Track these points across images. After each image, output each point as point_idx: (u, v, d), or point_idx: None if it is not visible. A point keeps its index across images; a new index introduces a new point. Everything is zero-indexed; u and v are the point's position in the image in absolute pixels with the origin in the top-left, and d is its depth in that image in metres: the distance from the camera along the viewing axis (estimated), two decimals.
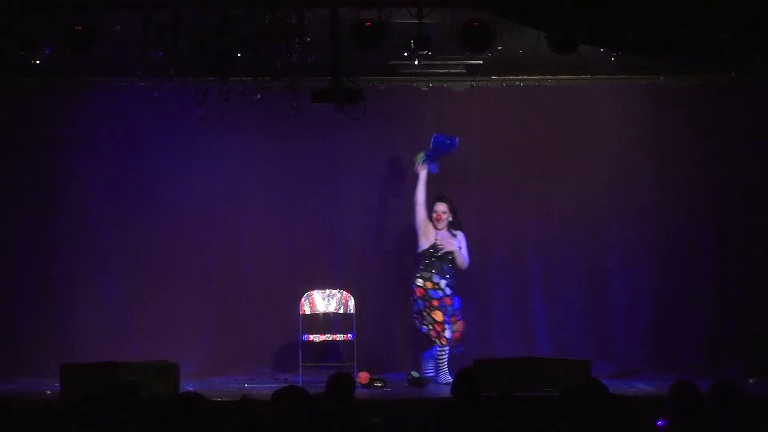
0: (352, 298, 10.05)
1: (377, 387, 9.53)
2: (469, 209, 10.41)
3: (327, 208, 10.52)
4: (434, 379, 9.67)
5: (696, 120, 10.49)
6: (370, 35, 8.70)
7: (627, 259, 10.51)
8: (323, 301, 10.07)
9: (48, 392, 9.11)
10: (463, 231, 9.87)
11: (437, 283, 9.68)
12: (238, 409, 5.24)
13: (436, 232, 9.79)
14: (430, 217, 9.80)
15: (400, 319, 10.18)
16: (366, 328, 10.17)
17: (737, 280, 10.41)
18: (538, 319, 10.48)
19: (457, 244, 9.79)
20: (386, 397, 9.20)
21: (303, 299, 10.01)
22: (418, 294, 9.67)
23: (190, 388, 8.89)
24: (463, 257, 9.79)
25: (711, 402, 5.30)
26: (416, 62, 9.47)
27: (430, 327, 9.64)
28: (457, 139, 9.87)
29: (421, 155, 9.79)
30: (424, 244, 9.79)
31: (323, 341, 10.00)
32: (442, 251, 9.75)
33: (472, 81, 10.47)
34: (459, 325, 9.76)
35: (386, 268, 10.38)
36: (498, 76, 10.43)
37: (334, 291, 10.11)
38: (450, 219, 9.83)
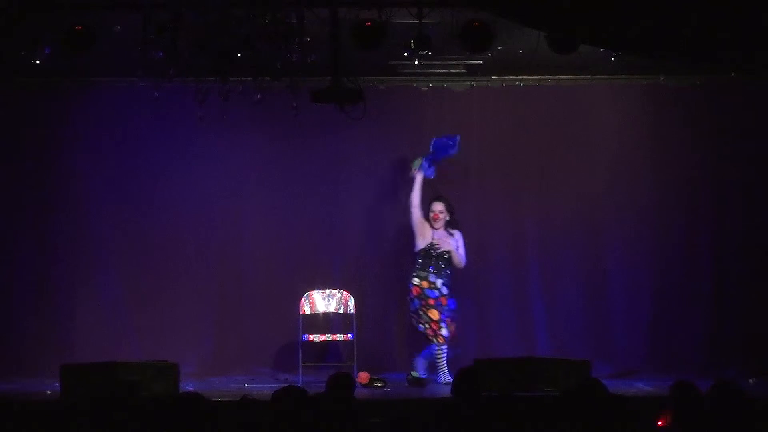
0: (352, 298, 10.05)
1: (377, 387, 9.53)
2: (469, 209, 10.42)
3: (327, 208, 10.52)
4: (434, 379, 9.68)
5: (696, 120, 10.49)
6: (370, 35, 8.70)
7: (627, 259, 10.51)
8: (323, 301, 10.08)
9: (48, 392, 9.11)
10: (460, 230, 9.88)
11: (433, 283, 9.69)
12: (238, 409, 5.24)
13: (432, 231, 9.80)
14: (427, 217, 9.82)
15: (400, 319, 10.18)
16: (366, 328, 10.18)
17: (737, 280, 10.41)
18: (538, 319, 10.48)
19: (454, 244, 9.80)
20: (386, 397, 9.20)
21: (303, 299, 10.01)
22: (415, 293, 9.69)
23: (190, 388, 8.89)
24: (460, 256, 9.80)
25: (711, 402, 5.30)
26: (416, 62, 9.47)
27: (427, 326, 9.65)
28: (458, 138, 9.88)
29: (418, 161, 9.83)
30: (421, 243, 9.80)
31: (323, 341, 10.00)
32: (438, 251, 9.76)
33: (472, 81, 10.47)
34: (452, 328, 9.76)
35: (386, 268, 10.38)
36: (498, 76, 10.43)
37: (334, 291, 10.11)
38: (447, 218, 9.84)
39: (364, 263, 10.52)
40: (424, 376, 9.68)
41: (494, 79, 10.48)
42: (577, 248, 10.53)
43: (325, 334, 9.97)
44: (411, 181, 9.87)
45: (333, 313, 10.12)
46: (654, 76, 10.41)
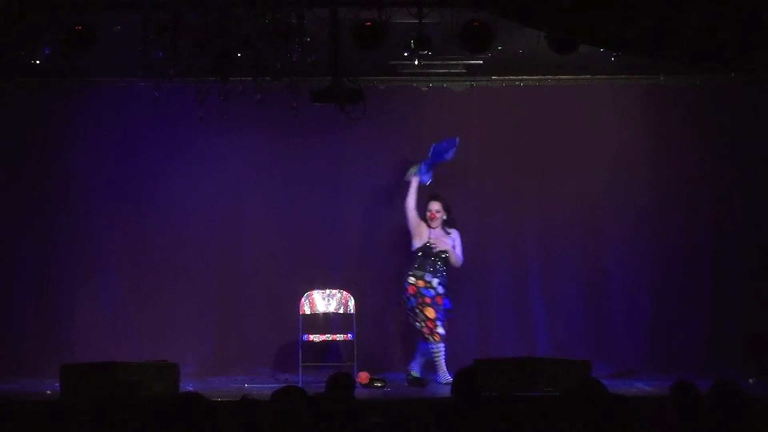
0: (352, 298, 10.06)
1: (377, 387, 9.53)
2: (469, 209, 10.43)
3: (327, 208, 10.52)
4: (434, 379, 9.68)
5: (696, 120, 10.49)
6: (370, 35, 8.70)
7: (627, 259, 10.51)
8: (323, 301, 10.08)
9: (48, 392, 9.12)
10: (457, 229, 9.88)
11: (429, 282, 9.71)
12: (238, 409, 5.24)
13: (429, 231, 9.82)
14: (423, 217, 9.83)
15: (400, 319, 10.17)
16: (366, 328, 10.18)
17: (737, 280, 10.41)
18: (538, 319, 10.48)
19: (450, 243, 9.81)
20: (386, 397, 9.21)
21: (303, 299, 10.01)
22: (411, 292, 9.71)
23: (190, 388, 8.89)
24: (457, 256, 9.81)
25: (711, 402, 5.30)
26: (416, 62, 9.47)
27: (423, 324, 9.67)
28: (457, 140, 9.88)
29: (415, 167, 9.85)
30: (417, 243, 9.82)
31: (323, 341, 10.00)
32: (435, 250, 9.77)
33: (472, 81, 10.47)
34: (445, 327, 9.77)
35: (386, 269, 10.37)
36: (498, 76, 10.43)
37: (334, 291, 10.11)
38: (444, 217, 9.85)
39: (364, 263, 10.52)
40: (419, 374, 9.68)
41: (494, 79, 10.49)
42: (577, 248, 10.52)
43: (325, 334, 9.97)
44: (407, 185, 9.89)
45: (333, 313, 10.12)
46: (654, 76, 10.41)
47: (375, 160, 10.50)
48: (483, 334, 10.45)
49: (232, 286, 10.48)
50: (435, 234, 9.82)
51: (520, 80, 10.49)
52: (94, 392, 7.60)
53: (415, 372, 9.73)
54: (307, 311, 10.02)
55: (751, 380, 9.59)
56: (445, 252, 9.77)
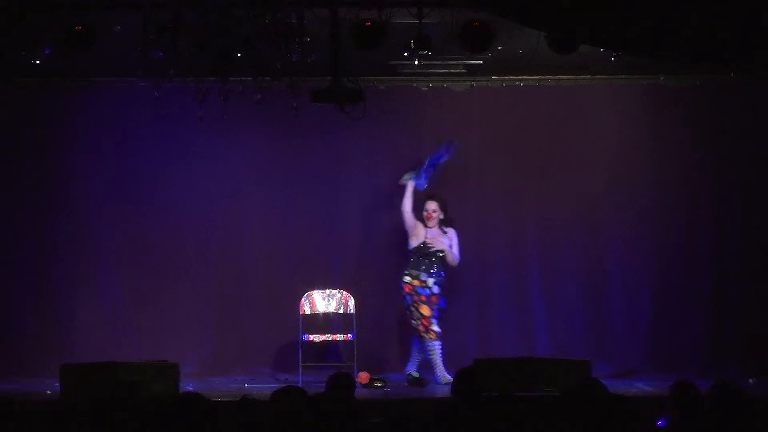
0: (352, 298, 10.06)
1: (377, 387, 9.54)
2: (469, 209, 10.43)
3: (327, 208, 10.52)
4: (432, 378, 9.68)
5: (696, 120, 10.49)
6: (370, 35, 8.69)
7: (627, 259, 10.51)
8: (323, 301, 10.08)
9: (48, 392, 9.12)
10: (455, 228, 9.89)
11: (425, 281, 9.72)
12: (238, 409, 5.24)
13: (426, 230, 9.83)
14: (420, 216, 9.84)
15: (401, 319, 10.17)
16: (366, 328, 10.18)
17: (737, 280, 10.41)
18: (538, 319, 10.48)
19: (447, 242, 9.82)
20: (386, 397, 9.21)
21: (303, 299, 10.01)
22: (406, 290, 9.73)
23: (190, 388, 8.89)
24: (453, 255, 9.82)
25: (711, 402, 5.30)
26: (416, 62, 9.47)
27: (418, 322, 9.68)
28: (452, 146, 9.89)
29: (408, 174, 9.86)
30: (414, 242, 9.84)
31: (323, 341, 10.00)
32: (431, 249, 9.78)
33: (472, 81, 10.47)
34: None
35: (386, 269, 10.36)
36: (498, 76, 10.43)
37: (334, 291, 10.11)
38: (441, 217, 9.86)
39: (364, 263, 10.52)
40: (419, 374, 9.68)
41: (494, 79, 10.48)
42: (577, 248, 10.52)
43: (325, 334, 9.97)
44: (402, 188, 9.89)
45: (333, 313, 10.12)
46: (654, 76, 10.41)
47: (375, 160, 10.50)
48: (483, 334, 10.45)
49: (232, 286, 10.48)
50: (431, 233, 9.83)
51: (520, 80, 10.49)
52: (94, 392, 7.61)
53: (415, 372, 9.73)
54: (307, 311, 10.02)
55: (751, 380, 9.59)
56: (441, 251, 9.78)
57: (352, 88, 8.28)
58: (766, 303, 10.28)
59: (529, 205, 10.58)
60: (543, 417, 5.23)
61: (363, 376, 9.54)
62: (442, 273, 9.78)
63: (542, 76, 10.41)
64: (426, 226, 9.84)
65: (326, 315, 10.16)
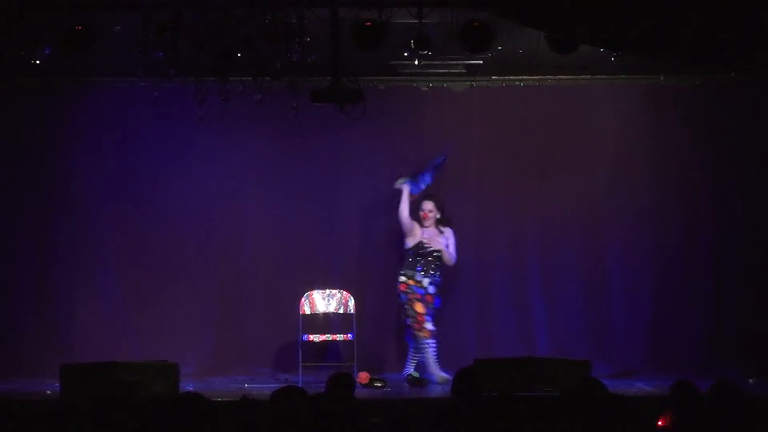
0: (352, 298, 10.06)
1: (377, 387, 9.53)
2: (469, 209, 10.43)
3: (327, 208, 10.52)
4: (429, 378, 9.68)
5: (696, 120, 10.49)
6: (370, 35, 8.69)
7: (627, 259, 10.51)
8: (323, 301, 10.08)
9: (48, 392, 9.12)
10: (451, 228, 9.89)
11: (420, 281, 9.73)
12: (238, 409, 5.24)
13: (422, 230, 9.84)
14: (416, 216, 9.85)
15: (400, 318, 10.17)
16: (366, 328, 10.18)
17: (737, 280, 10.41)
18: (538, 319, 10.48)
19: (444, 242, 9.83)
20: (386, 397, 9.21)
21: (303, 299, 10.01)
22: (401, 289, 9.76)
23: (190, 388, 8.89)
24: (450, 254, 9.83)
25: (711, 402, 5.30)
26: (416, 62, 9.46)
27: (413, 320, 9.69)
28: (446, 155, 9.91)
29: (402, 179, 9.86)
30: (410, 242, 9.86)
31: (323, 341, 10.00)
32: (428, 249, 9.78)
33: (472, 81, 10.47)
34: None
35: (386, 269, 10.35)
36: (498, 76, 10.43)
37: (334, 291, 10.11)
38: (437, 216, 9.87)
39: (364, 263, 10.52)
40: (418, 374, 9.68)
41: (494, 79, 10.48)
42: (577, 248, 10.52)
43: (325, 334, 9.97)
44: (398, 193, 9.90)
45: (333, 313, 10.12)
46: (654, 76, 10.41)
47: (375, 160, 10.50)
48: (483, 334, 10.45)
49: (232, 286, 10.47)
50: (428, 233, 9.84)
51: (520, 80, 10.48)
52: (94, 392, 7.60)
53: (415, 372, 9.73)
54: (307, 311, 10.02)
55: (751, 380, 9.60)
56: (438, 251, 9.79)
57: (352, 88, 8.28)
58: (766, 303, 10.28)
59: (529, 205, 10.58)
60: (543, 417, 5.24)
61: (363, 376, 9.54)
62: (438, 276, 9.78)
63: (542, 76, 10.41)
64: (422, 225, 9.85)
65: (326, 315, 10.16)
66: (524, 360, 9.11)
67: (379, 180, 10.40)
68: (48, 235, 10.36)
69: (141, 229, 10.39)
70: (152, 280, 10.37)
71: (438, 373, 9.56)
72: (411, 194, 9.90)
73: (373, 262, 10.48)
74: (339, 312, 10.08)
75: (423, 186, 9.93)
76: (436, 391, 9.30)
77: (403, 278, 9.76)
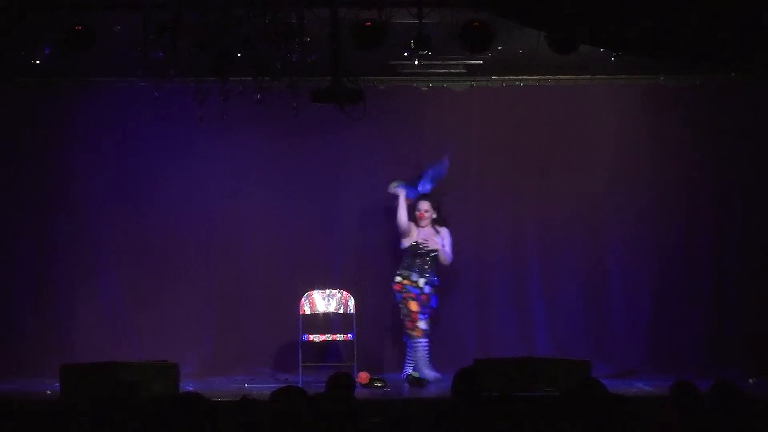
0: (352, 298, 10.06)
1: (377, 387, 9.53)
2: (469, 209, 10.43)
3: (327, 207, 10.52)
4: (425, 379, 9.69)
5: (696, 120, 10.49)
6: (370, 35, 8.69)
7: (627, 259, 10.51)
8: (323, 301, 10.08)
9: (48, 392, 9.12)
10: (448, 227, 9.89)
11: (416, 282, 9.75)
12: (238, 409, 5.24)
13: (418, 230, 9.84)
14: (413, 216, 9.85)
15: (400, 319, 10.17)
16: (366, 328, 10.18)
17: (737, 280, 10.41)
18: (538, 319, 10.48)
19: (440, 242, 9.83)
20: (386, 397, 9.21)
21: (303, 299, 10.01)
22: (397, 288, 9.78)
23: (190, 388, 8.89)
24: (446, 254, 9.83)
25: (711, 402, 5.30)
26: (416, 62, 9.47)
27: (407, 318, 9.70)
28: (447, 163, 9.92)
29: (396, 182, 9.87)
30: (407, 242, 9.87)
31: (323, 341, 10.01)
32: (425, 249, 9.79)
33: (472, 81, 10.47)
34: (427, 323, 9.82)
35: (386, 269, 10.34)
36: (498, 76, 10.43)
37: (334, 291, 10.11)
38: (433, 216, 9.87)
39: (363, 263, 10.52)
40: (416, 373, 9.68)
41: (494, 79, 10.48)
42: (577, 248, 10.52)
43: (325, 334, 9.97)
44: (394, 197, 9.89)
45: (333, 313, 10.13)
46: (654, 76, 10.41)
47: (375, 160, 10.50)
48: (483, 334, 10.45)
49: (232, 286, 10.48)
50: (424, 233, 9.84)
51: (520, 80, 10.49)
52: (94, 392, 7.60)
53: (415, 372, 9.73)
54: (307, 311, 10.02)
55: (751, 380, 9.60)
56: (434, 251, 9.80)
57: (352, 88, 8.28)
58: (766, 303, 10.28)
59: (529, 205, 10.58)
60: (543, 417, 5.24)
61: (363, 376, 9.54)
62: (436, 279, 9.79)
63: (542, 76, 10.41)
64: (418, 225, 9.86)
65: (326, 315, 10.16)
66: (524, 360, 9.10)
67: (379, 180, 10.39)
68: (48, 235, 10.36)
69: (141, 229, 10.39)
70: (152, 280, 10.37)
71: (427, 372, 9.56)
72: (407, 198, 9.90)
73: (373, 262, 10.48)
74: (339, 312, 10.09)
75: (421, 191, 9.93)
76: (436, 391, 9.30)
77: (398, 278, 9.77)
